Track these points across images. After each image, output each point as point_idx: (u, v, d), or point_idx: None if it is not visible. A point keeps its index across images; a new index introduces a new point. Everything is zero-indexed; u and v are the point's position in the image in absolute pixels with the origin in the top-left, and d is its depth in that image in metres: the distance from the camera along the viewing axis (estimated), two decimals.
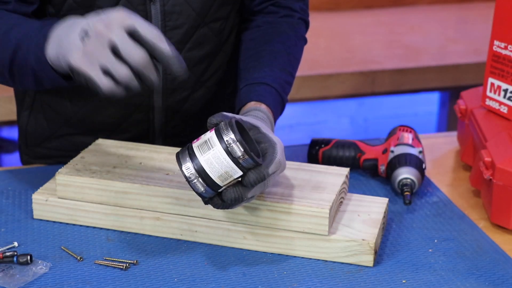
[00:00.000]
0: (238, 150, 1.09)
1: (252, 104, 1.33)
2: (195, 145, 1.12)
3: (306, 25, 1.52)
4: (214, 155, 1.10)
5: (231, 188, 1.11)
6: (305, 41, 1.51)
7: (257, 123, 1.20)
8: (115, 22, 1.05)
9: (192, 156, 1.11)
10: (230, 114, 1.16)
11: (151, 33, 1.05)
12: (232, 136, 1.09)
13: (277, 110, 1.36)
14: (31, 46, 1.19)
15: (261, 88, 1.35)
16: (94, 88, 1.08)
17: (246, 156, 1.09)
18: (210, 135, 1.11)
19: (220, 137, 1.09)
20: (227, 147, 1.09)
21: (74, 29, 1.09)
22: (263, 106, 1.32)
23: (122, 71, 1.04)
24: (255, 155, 1.12)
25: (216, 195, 1.13)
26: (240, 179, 1.12)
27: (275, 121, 1.36)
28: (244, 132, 1.15)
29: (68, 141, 1.50)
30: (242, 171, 1.11)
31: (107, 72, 1.06)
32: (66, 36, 1.10)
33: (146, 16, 1.36)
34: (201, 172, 1.11)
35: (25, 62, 1.21)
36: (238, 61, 1.46)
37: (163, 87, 1.43)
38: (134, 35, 1.05)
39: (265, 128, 1.19)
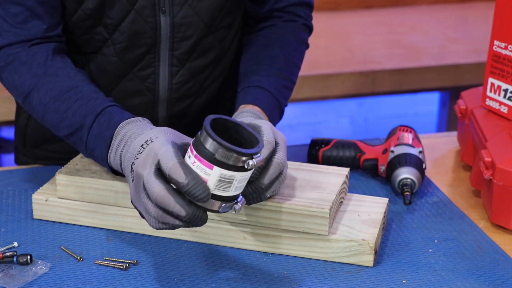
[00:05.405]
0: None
1: (246, 107, 1.33)
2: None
3: (310, 30, 1.53)
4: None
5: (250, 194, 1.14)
6: (306, 46, 1.51)
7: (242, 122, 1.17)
8: (149, 159, 1.10)
9: None
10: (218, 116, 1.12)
11: (165, 165, 1.07)
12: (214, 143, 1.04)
13: (274, 114, 1.36)
14: (93, 131, 1.24)
15: (256, 91, 1.36)
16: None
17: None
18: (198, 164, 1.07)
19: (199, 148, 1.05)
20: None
21: (129, 164, 1.15)
22: (256, 109, 1.33)
23: (150, 209, 1.09)
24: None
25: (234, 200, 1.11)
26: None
27: (274, 125, 1.35)
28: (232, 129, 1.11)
29: (68, 145, 1.49)
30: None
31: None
32: (125, 168, 1.17)
33: (156, 28, 1.36)
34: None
35: (80, 140, 1.26)
36: (239, 65, 1.46)
37: (168, 98, 1.43)
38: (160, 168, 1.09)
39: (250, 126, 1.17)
